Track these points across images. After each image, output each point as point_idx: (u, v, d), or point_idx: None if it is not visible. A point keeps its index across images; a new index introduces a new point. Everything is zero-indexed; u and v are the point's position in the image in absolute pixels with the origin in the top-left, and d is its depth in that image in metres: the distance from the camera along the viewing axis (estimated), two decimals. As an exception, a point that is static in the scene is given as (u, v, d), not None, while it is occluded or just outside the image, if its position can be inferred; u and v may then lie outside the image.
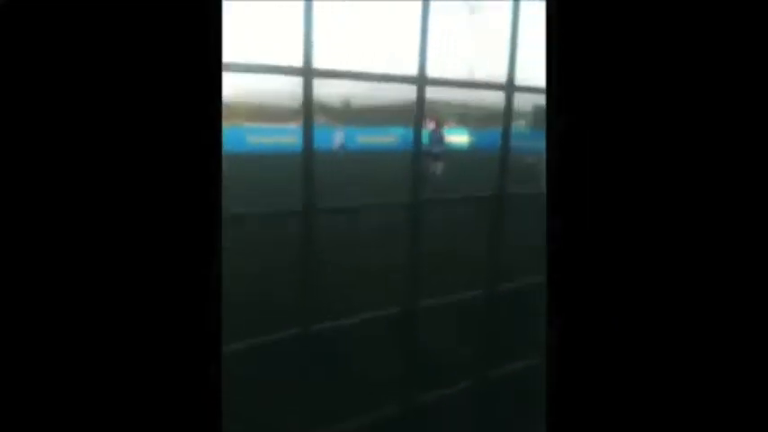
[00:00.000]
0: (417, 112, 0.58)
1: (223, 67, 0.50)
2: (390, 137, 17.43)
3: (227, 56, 0.51)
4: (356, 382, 2.02)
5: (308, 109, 0.50)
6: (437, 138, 7.54)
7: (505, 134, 0.63)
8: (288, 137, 15.36)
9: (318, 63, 0.54)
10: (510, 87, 0.60)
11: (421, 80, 0.57)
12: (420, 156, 0.65)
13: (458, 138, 16.46)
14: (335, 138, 15.43)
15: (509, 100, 0.62)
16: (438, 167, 7.23)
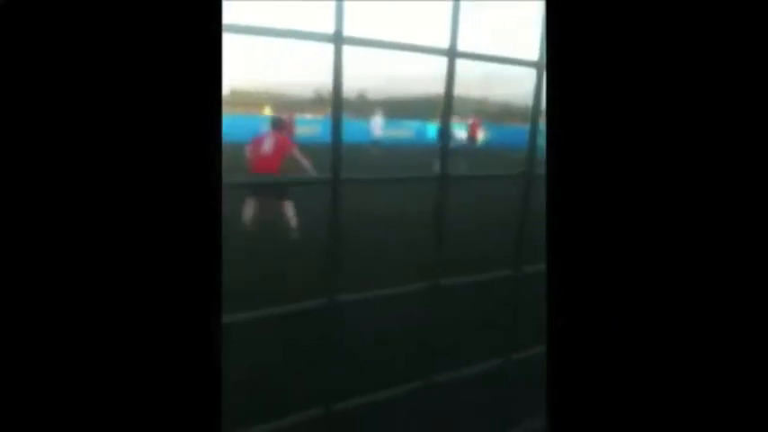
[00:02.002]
0: (447, 89, 0.57)
1: (246, 30, 0.50)
2: (406, 130, 17.36)
3: (253, 19, 0.51)
4: (372, 358, 2.04)
5: (338, 76, 0.50)
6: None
7: (534, 121, 0.62)
8: (308, 127, 15.28)
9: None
10: (540, 65, 0.59)
11: (451, 52, 0.56)
12: (447, 135, 0.65)
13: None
14: (374, 126, 13.72)
15: (540, 79, 0.61)
16: (457, 163, 7.20)
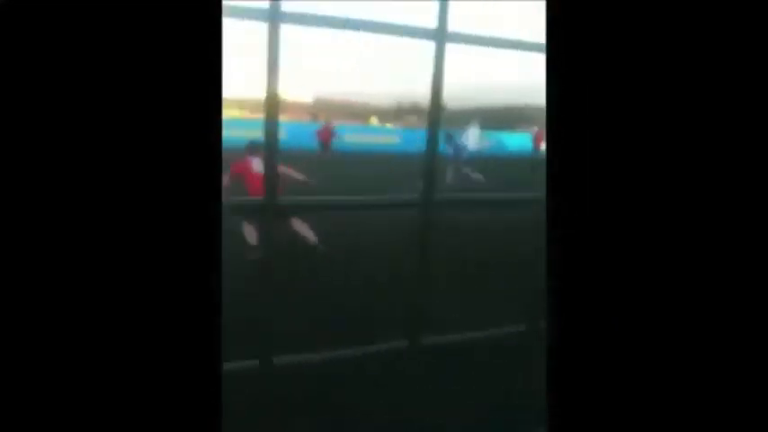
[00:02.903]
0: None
1: (354, 25, 0.50)
2: (485, 141, 16.90)
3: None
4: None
5: (437, 80, 0.54)
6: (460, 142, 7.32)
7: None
8: (387, 137, 15.49)
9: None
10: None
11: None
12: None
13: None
14: (469, 138, 11.06)
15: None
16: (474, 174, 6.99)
